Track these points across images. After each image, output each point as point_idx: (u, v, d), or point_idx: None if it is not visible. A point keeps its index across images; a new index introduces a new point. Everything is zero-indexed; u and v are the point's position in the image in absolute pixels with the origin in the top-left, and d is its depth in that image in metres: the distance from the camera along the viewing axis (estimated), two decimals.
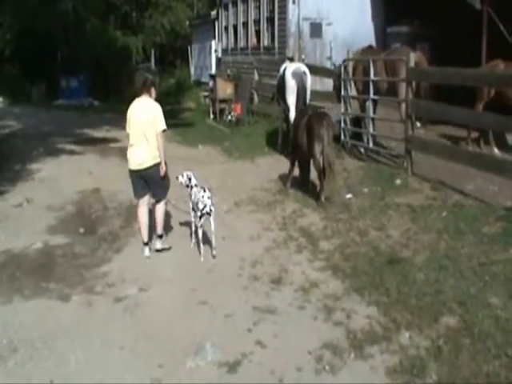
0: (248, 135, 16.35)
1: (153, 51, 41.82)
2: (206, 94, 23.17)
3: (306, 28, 18.53)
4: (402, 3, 16.53)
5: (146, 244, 7.78)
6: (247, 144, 15.18)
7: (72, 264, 7.65)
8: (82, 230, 8.99)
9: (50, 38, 29.66)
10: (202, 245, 7.54)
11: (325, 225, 8.68)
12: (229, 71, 22.67)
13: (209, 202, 7.46)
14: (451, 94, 10.56)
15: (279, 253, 7.73)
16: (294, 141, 10.40)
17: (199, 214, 7.45)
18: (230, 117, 19.10)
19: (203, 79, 28.77)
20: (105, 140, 17.17)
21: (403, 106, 11.18)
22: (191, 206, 7.77)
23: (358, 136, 13.16)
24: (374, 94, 12.17)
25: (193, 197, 7.69)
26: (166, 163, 7.58)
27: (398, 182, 10.50)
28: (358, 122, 13.38)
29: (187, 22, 35.61)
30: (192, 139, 16.54)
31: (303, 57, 17.48)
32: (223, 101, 19.98)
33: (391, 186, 10.37)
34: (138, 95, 7.71)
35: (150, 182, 7.66)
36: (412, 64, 10.63)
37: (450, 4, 14.79)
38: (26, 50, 29.73)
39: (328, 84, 15.87)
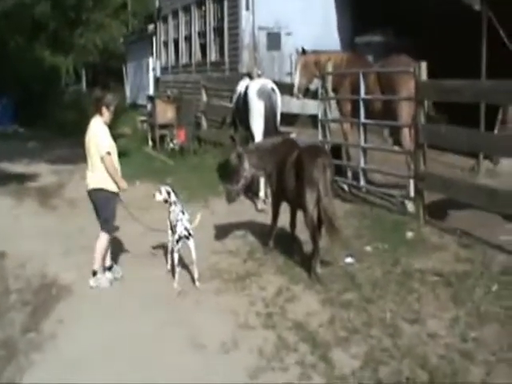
0: (196, 168, 13.63)
1: (84, 72, 38.91)
2: (143, 118, 20.25)
3: (262, 39, 15.86)
4: (372, 11, 14.04)
5: (108, 269, 7.12)
6: (196, 179, 12.30)
7: None
8: None
9: None
10: (177, 269, 6.77)
11: (330, 315, 5.77)
12: (169, 92, 19.91)
13: (188, 224, 6.79)
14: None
15: (274, 381, 4.72)
16: (276, 182, 7.40)
17: (177, 237, 6.76)
18: (172, 145, 16.45)
19: (140, 101, 25.99)
20: (23, 177, 14.13)
21: (406, 131, 8.57)
22: (169, 224, 7.07)
23: (337, 170, 10.44)
24: (365, 117, 9.44)
25: (172, 215, 6.98)
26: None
27: (410, 234, 7.87)
28: (337, 151, 10.63)
29: (121, 39, 32.67)
30: (127, 173, 12.70)
31: (259, 72, 14.73)
32: (164, 126, 17.21)
33: (401, 240, 7.74)
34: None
35: (95, 206, 7.15)
36: (424, 77, 7.93)
37: (430, 11, 12.37)
38: None
39: (292, 105, 13.24)
